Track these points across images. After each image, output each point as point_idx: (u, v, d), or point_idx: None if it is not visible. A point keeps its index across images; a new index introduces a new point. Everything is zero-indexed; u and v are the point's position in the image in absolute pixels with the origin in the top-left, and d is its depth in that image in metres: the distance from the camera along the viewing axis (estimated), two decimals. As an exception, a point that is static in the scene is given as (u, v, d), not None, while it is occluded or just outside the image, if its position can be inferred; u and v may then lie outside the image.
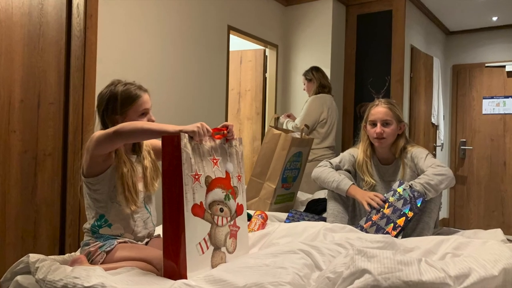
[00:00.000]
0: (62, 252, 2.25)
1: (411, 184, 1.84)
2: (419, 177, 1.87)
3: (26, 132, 2.12)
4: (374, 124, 2.02)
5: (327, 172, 2.06)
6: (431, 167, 1.87)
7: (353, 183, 2.00)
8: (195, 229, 1.29)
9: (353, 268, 1.12)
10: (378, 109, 2.02)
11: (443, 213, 5.12)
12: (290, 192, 2.48)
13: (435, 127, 4.69)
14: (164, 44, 2.77)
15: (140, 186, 1.63)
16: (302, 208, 2.50)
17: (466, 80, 5.08)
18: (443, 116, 4.89)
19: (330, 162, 2.14)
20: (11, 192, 2.08)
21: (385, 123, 2.00)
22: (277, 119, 2.54)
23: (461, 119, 5.10)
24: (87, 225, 1.58)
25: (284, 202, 2.44)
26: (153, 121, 1.63)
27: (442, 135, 4.81)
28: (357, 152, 2.14)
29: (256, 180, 2.36)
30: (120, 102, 1.56)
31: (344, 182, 1.99)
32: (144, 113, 1.61)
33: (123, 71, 2.47)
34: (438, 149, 4.76)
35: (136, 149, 1.67)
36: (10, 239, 2.08)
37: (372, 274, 1.07)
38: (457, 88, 5.13)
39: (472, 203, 4.99)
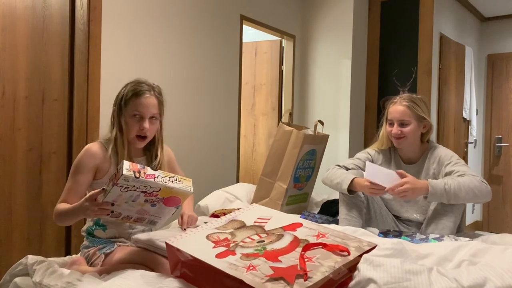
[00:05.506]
0: (68, 253, 2.32)
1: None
2: (450, 176, 1.82)
3: (31, 129, 2.18)
4: (392, 123, 2.00)
5: (333, 172, 2.03)
6: (471, 174, 1.81)
7: (355, 177, 1.90)
8: None
9: (358, 277, 1.12)
10: (396, 108, 1.99)
11: (476, 216, 5.00)
12: (303, 192, 2.47)
13: (467, 122, 4.58)
14: (172, 36, 2.78)
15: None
16: (317, 210, 2.48)
17: (502, 71, 4.93)
18: (476, 110, 4.77)
19: (343, 166, 2.10)
20: (17, 192, 2.14)
21: (402, 123, 1.97)
22: (290, 114, 2.52)
23: (497, 113, 4.95)
24: (84, 227, 1.66)
25: (297, 203, 2.43)
26: (146, 130, 1.53)
27: (475, 131, 4.69)
28: (373, 151, 2.13)
29: (266, 179, 2.36)
30: (125, 95, 1.58)
31: (346, 180, 1.90)
32: (137, 116, 1.54)
33: (128, 66, 2.50)
34: (470, 146, 4.64)
35: (150, 152, 1.67)
36: (17, 239, 2.14)
37: (378, 284, 1.06)
38: (493, 80, 4.98)
39: (508, 205, 4.85)
